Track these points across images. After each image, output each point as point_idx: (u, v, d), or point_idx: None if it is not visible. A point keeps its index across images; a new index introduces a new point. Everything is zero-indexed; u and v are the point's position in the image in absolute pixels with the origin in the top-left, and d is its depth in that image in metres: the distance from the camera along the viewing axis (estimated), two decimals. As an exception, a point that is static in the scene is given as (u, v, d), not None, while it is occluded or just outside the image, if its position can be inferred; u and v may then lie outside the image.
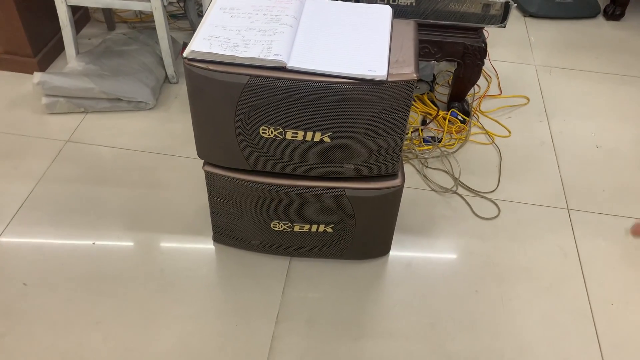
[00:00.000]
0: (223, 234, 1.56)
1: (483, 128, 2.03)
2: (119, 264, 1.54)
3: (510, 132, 2.03)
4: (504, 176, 1.85)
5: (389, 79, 1.16)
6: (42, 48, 2.16)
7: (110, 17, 2.40)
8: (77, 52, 2.07)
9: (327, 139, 1.26)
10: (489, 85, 2.23)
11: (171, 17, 2.53)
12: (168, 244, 1.60)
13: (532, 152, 1.96)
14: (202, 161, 1.39)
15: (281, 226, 1.47)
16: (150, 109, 2.04)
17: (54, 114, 1.98)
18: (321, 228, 1.46)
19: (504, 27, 1.78)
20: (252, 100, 1.19)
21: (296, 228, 1.46)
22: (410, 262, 1.58)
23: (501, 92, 2.20)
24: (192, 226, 1.65)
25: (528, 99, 2.18)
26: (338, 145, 1.28)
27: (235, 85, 1.17)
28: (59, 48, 2.20)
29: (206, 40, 1.18)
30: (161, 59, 2.11)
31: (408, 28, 1.34)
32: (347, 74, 1.16)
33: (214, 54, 1.15)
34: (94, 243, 1.59)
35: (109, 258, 1.55)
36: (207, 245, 1.60)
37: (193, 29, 2.43)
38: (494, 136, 2.00)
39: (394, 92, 1.19)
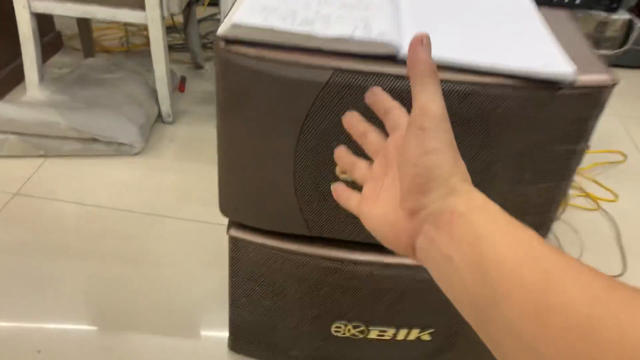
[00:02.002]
0: (245, 340, 1.00)
1: (582, 189, 1.54)
2: (76, 388, 0.95)
3: (617, 196, 1.53)
4: (630, 255, 1.34)
5: (577, 82, 0.66)
6: (-5, 74, 1.63)
7: (89, 44, 1.90)
8: (41, 79, 1.55)
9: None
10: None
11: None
12: (156, 353, 1.02)
13: (654, 222, 1.46)
14: (208, 224, 0.90)
15: (348, 330, 0.91)
16: (136, 154, 1.50)
17: (1, 157, 1.43)
18: (413, 334, 0.91)
19: (621, 53, 1.32)
20: (333, 112, 0.67)
21: (373, 334, 0.91)
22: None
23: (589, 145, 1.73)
24: (193, 324, 1.08)
25: (625, 155, 1.71)
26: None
27: (306, 87, 0.66)
28: (18, 75, 1.67)
29: (259, 12, 0.67)
30: (154, 90, 1.60)
31: (562, 16, 0.85)
32: (507, 69, 0.65)
33: (276, 30, 0.64)
34: (39, 352, 1.00)
35: (60, 378, 0.96)
36: (217, 357, 1.03)
37: (194, 61, 1.94)
38: (598, 200, 1.50)
39: (576, 106, 0.69)
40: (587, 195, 1.51)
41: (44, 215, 1.29)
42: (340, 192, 0.49)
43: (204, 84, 1.88)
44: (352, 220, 0.78)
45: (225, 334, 1.02)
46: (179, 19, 2.02)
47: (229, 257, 0.88)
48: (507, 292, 0.30)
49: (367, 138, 0.48)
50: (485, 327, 0.32)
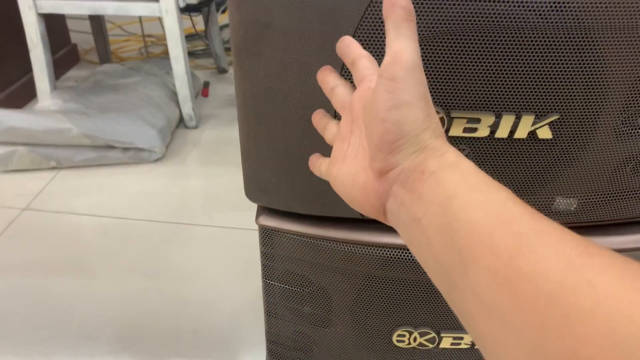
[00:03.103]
0: (285, 356, 0.82)
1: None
2: None
3: None
4: None
5: None
6: (6, 87, 1.52)
7: (106, 55, 1.80)
8: (53, 87, 1.43)
9: (545, 133, 0.56)
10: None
11: (188, 54, 1.92)
12: (183, 379, 0.86)
13: None
14: (238, 230, 0.82)
15: (414, 339, 0.72)
16: (156, 160, 1.36)
17: (9, 171, 1.31)
18: (498, 340, 0.71)
19: None
20: (382, 44, 0.51)
21: (446, 342, 0.72)
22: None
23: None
24: (224, 344, 0.91)
25: None
26: (563, 147, 0.57)
27: (347, 7, 0.50)
28: (31, 90, 1.56)
29: None
30: (174, 93, 1.46)
31: None
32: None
33: None
34: (43, 383, 0.84)
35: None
36: (255, 380, 0.86)
37: (217, 64, 1.81)
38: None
39: None
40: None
41: (54, 230, 1.15)
42: (311, 161, 0.48)
43: (229, 88, 1.74)
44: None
45: (262, 353, 0.84)
46: (201, 26, 1.90)
47: (261, 254, 0.71)
48: (476, 257, 0.28)
49: (334, 92, 0.44)
50: (452, 295, 0.30)
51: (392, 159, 0.34)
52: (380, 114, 0.34)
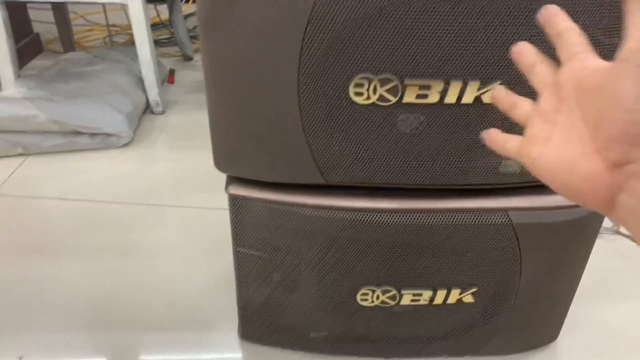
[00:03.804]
0: (258, 325, 0.86)
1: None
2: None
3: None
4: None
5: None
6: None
7: (70, 45, 1.80)
8: (17, 76, 1.43)
9: (489, 98, 0.61)
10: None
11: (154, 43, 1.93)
12: (158, 353, 0.89)
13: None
14: (209, 210, 0.81)
15: (377, 297, 0.77)
16: (124, 145, 1.38)
17: (-24, 158, 1.31)
18: (453, 296, 0.77)
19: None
20: (341, 16, 0.55)
21: (406, 299, 0.77)
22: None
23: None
24: (198, 315, 0.94)
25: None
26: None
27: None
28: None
29: None
30: (140, 79, 1.48)
31: None
32: None
33: None
34: (20, 358, 0.86)
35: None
36: (227, 347, 0.89)
37: (183, 52, 1.83)
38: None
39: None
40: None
41: (24, 214, 1.16)
42: (495, 137, 0.44)
43: (194, 75, 1.76)
44: (379, 160, 0.66)
45: (235, 322, 0.88)
46: (165, 15, 1.91)
47: (231, 222, 0.75)
48: None
49: (535, 70, 0.41)
50: None
51: (633, 153, 0.32)
52: (624, 104, 0.31)
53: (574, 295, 0.82)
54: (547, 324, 0.85)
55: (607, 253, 1.08)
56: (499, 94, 0.45)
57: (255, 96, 0.62)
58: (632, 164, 0.32)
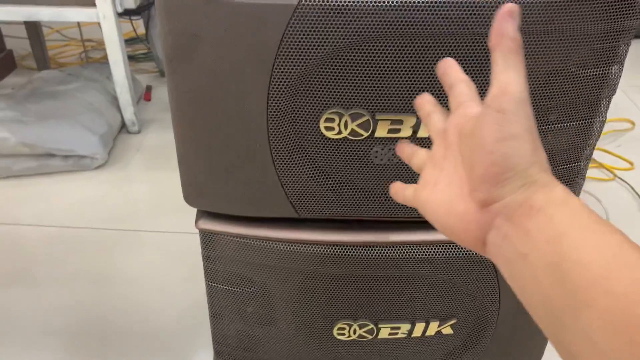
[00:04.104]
0: (233, 357, 0.83)
1: (595, 160, 1.41)
2: None
3: (632, 164, 1.40)
4: (657, 221, 1.21)
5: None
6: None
7: (44, 61, 1.76)
8: (-12, 96, 1.39)
9: (464, 132, 0.59)
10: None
11: (130, 59, 1.90)
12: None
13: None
14: (185, 235, 0.81)
15: (354, 331, 0.75)
16: (98, 167, 1.34)
17: (-56, 183, 1.27)
18: (432, 328, 0.75)
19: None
20: (313, 45, 0.53)
21: (384, 333, 0.75)
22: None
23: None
24: (173, 347, 0.92)
25: (633, 123, 1.59)
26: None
27: (272, 13, 0.52)
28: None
29: None
30: (115, 98, 1.45)
31: None
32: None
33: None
34: (-14, 397, 0.83)
35: None
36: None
37: (159, 67, 1.80)
38: (614, 169, 1.37)
39: (608, 13, 0.56)
40: (602, 166, 1.38)
41: (-6, 241, 1.13)
42: (396, 189, 0.46)
43: (172, 92, 1.73)
44: (353, 193, 0.64)
45: (210, 354, 0.86)
46: (141, 30, 1.88)
47: (203, 257, 0.72)
48: (590, 300, 0.27)
49: (431, 118, 0.44)
50: (559, 335, 0.29)
51: (497, 192, 0.33)
52: (487, 146, 0.34)
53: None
54: (527, 353, 0.84)
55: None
56: (401, 146, 0.49)
57: (223, 131, 0.60)
58: (497, 202, 0.33)
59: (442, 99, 0.56)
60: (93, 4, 1.28)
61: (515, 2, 0.52)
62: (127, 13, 1.64)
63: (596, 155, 1.43)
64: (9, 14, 1.29)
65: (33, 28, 1.71)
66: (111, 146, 1.40)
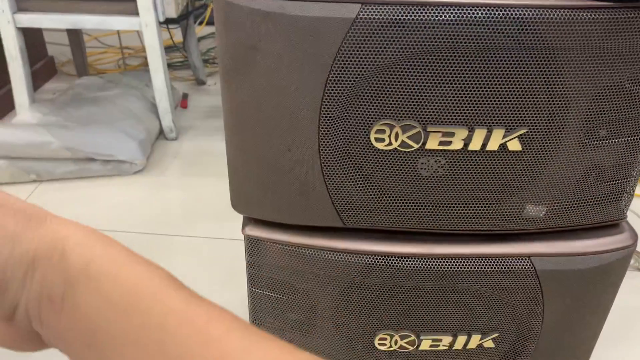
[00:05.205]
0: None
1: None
2: None
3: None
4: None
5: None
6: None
7: (84, 67, 1.81)
8: (32, 101, 1.44)
9: (514, 145, 0.60)
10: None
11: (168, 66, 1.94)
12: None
13: None
14: (222, 240, 0.80)
15: (395, 342, 0.75)
16: (137, 172, 1.37)
17: (-11, 185, 1.31)
18: (474, 341, 0.75)
19: None
20: (367, 58, 0.54)
21: (425, 344, 0.75)
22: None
23: None
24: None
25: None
26: (531, 158, 0.61)
27: (329, 27, 0.53)
28: (9, 102, 1.56)
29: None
30: (154, 105, 1.48)
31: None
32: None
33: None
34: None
35: None
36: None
37: (196, 76, 1.83)
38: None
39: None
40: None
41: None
42: None
43: (208, 100, 1.76)
44: (399, 204, 0.64)
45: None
46: (179, 38, 1.92)
47: (246, 263, 0.73)
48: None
49: None
50: None
51: (5, 301, 0.27)
52: None
53: (596, 340, 0.80)
54: (569, 368, 0.83)
55: (630, 292, 1.05)
56: None
57: (275, 141, 0.61)
58: (16, 312, 0.27)
59: (494, 112, 0.57)
60: (136, 13, 1.31)
61: (571, 20, 0.52)
62: (165, 22, 1.67)
63: None
64: (55, 22, 1.33)
65: (74, 36, 1.75)
66: (149, 152, 1.43)
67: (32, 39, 1.57)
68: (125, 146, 1.33)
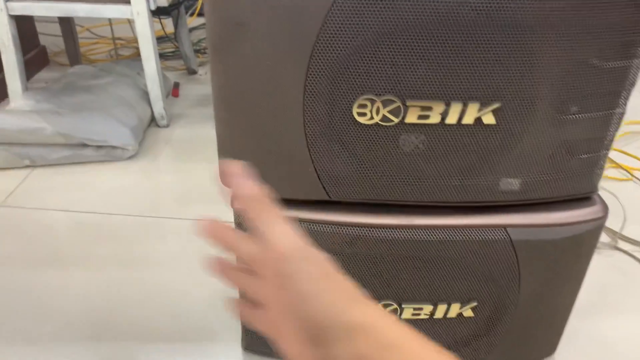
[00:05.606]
0: (261, 337, 0.87)
1: (612, 160, 1.42)
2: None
3: (650, 165, 1.42)
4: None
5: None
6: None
7: (76, 57, 1.82)
8: (25, 88, 1.46)
9: (489, 119, 0.63)
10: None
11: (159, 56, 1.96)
12: (162, 360, 0.90)
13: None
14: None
15: (378, 311, 0.78)
16: (129, 157, 1.40)
17: (-16, 170, 1.33)
18: (454, 310, 0.78)
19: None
20: (348, 38, 0.57)
21: (407, 313, 0.79)
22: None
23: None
24: (202, 327, 0.96)
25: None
26: (505, 132, 0.65)
27: (313, 4, 0.56)
28: (1, 91, 1.58)
29: None
30: (146, 93, 1.50)
31: None
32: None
33: None
34: (26, 368, 0.88)
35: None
36: (231, 358, 0.91)
37: (187, 65, 1.85)
38: (631, 170, 1.39)
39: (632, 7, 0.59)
40: (619, 166, 1.40)
41: (29, 226, 1.18)
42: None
43: (199, 88, 1.79)
44: (381, 177, 0.67)
45: (238, 334, 0.90)
46: (170, 28, 1.94)
47: (236, 236, 0.76)
48: None
49: (238, 247, 0.40)
50: None
51: (325, 352, 0.32)
52: (293, 312, 0.33)
53: (571, 309, 0.84)
54: (545, 339, 0.87)
55: (605, 268, 1.09)
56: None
57: (262, 115, 0.64)
58: None
59: (469, 87, 0.60)
60: (128, 2, 1.33)
61: (540, -4, 0.56)
62: (157, 12, 1.69)
63: (615, 156, 1.44)
64: (46, 10, 1.35)
65: (67, 25, 1.77)
66: (142, 138, 1.45)
67: (24, 28, 1.59)
68: (118, 132, 1.35)
